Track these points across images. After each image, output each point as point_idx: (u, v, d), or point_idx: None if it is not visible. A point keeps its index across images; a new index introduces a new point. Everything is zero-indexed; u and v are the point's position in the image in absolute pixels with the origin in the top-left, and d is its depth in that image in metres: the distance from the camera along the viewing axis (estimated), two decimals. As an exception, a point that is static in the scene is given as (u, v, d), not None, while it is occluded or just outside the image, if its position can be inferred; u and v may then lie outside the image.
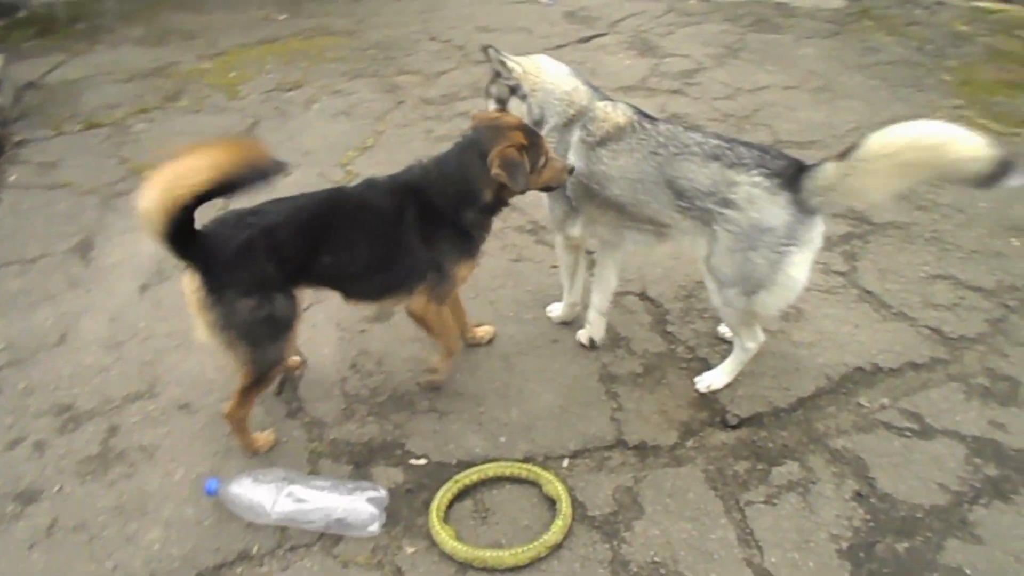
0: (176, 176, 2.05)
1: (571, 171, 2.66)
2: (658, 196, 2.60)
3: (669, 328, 3.20)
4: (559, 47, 6.30)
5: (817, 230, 2.47)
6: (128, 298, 3.47)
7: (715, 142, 2.55)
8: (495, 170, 2.43)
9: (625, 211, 2.73)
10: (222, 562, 2.29)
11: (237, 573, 2.26)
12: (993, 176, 2.15)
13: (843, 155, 2.34)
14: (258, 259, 2.32)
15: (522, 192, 2.57)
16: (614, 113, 2.70)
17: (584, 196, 2.80)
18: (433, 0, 7.97)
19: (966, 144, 2.16)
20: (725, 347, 3.06)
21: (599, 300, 3.06)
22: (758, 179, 2.43)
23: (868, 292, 3.35)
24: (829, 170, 2.35)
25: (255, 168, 2.14)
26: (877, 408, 2.79)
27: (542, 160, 2.54)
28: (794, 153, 4.26)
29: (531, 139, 2.50)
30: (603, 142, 2.67)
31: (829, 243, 3.66)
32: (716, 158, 2.51)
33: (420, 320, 2.68)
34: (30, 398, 2.93)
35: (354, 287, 2.61)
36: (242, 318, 2.32)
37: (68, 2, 7.82)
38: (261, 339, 2.38)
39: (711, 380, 2.86)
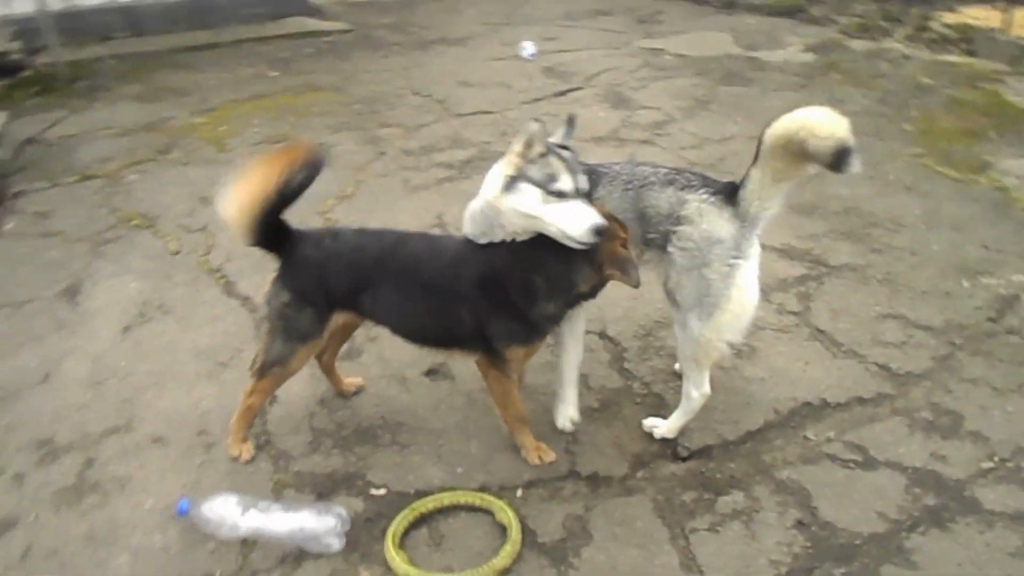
0: (251, 188, 2.44)
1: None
2: (634, 230, 2.71)
3: (627, 365, 3.34)
4: (536, 100, 6.56)
5: (756, 244, 2.67)
6: (111, 340, 3.61)
7: (664, 170, 2.76)
8: (608, 270, 2.45)
9: None
10: (185, 586, 2.39)
11: (199, 597, 2.36)
12: (837, 160, 2.43)
13: (756, 158, 2.51)
14: (304, 274, 2.65)
15: (635, 286, 2.49)
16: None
17: None
18: (417, 57, 8.29)
19: (827, 122, 2.43)
20: (678, 383, 3.19)
21: (574, 373, 2.97)
22: (705, 196, 2.66)
23: (820, 331, 3.50)
24: (754, 175, 2.56)
25: (311, 164, 2.50)
26: (823, 441, 2.91)
27: (619, 255, 2.45)
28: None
29: (626, 231, 2.50)
30: (588, 196, 2.62)
31: (784, 284, 3.84)
32: (670, 183, 2.71)
33: (485, 379, 2.77)
34: (11, 434, 3.04)
35: (401, 330, 2.77)
36: (274, 308, 2.67)
37: (69, 62, 8.10)
38: (279, 333, 2.69)
39: (661, 429, 2.96)
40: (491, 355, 2.64)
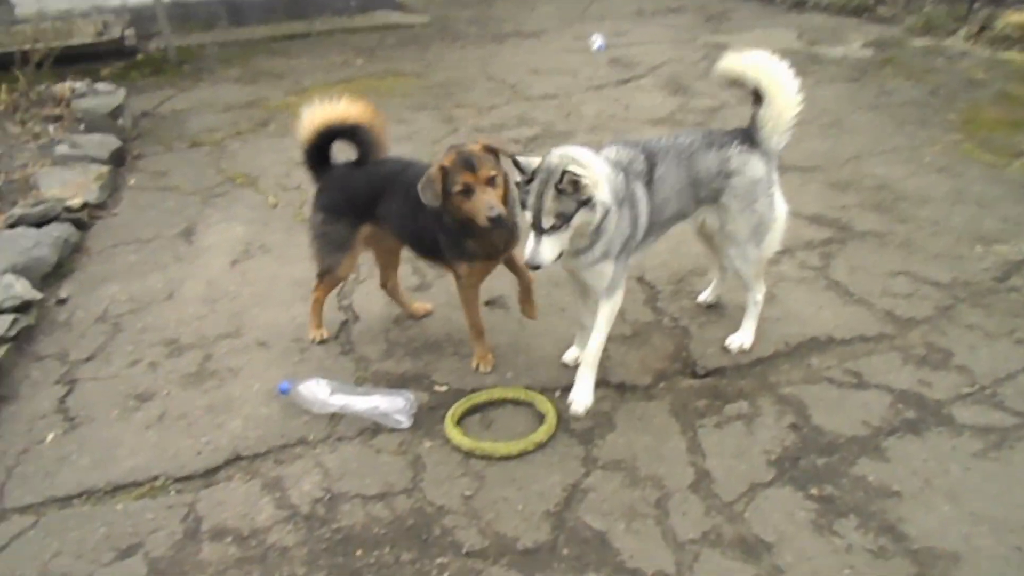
0: (318, 115, 3.27)
1: (495, 217, 2.84)
2: (689, 194, 3.20)
3: (659, 304, 3.82)
4: (599, 87, 7.07)
5: (776, 169, 3.27)
6: (221, 270, 4.28)
7: (699, 135, 3.24)
8: (419, 189, 2.91)
9: (661, 224, 3.21)
10: (285, 443, 3.00)
11: (296, 452, 2.97)
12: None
13: (758, 101, 3.11)
14: (334, 191, 3.38)
15: (446, 209, 2.94)
16: (632, 152, 3.08)
17: (647, 232, 3.12)
18: (493, 48, 8.88)
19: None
20: (704, 318, 3.68)
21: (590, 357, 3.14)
22: (739, 148, 3.17)
23: (836, 283, 3.92)
24: (762, 115, 3.14)
25: (364, 128, 3.30)
26: (824, 368, 3.34)
27: (457, 187, 2.87)
28: (797, 176, 4.92)
29: (455, 166, 2.88)
30: (651, 175, 3.08)
31: (809, 245, 4.25)
32: (710, 145, 3.19)
33: (456, 283, 3.34)
34: (145, 334, 3.73)
35: (404, 239, 3.43)
36: (315, 225, 3.42)
37: (177, 47, 8.96)
38: (321, 246, 3.43)
39: (741, 340, 3.45)
40: (454, 268, 3.23)
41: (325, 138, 3.31)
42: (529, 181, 2.72)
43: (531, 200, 2.70)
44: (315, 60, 8.79)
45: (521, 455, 2.90)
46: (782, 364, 3.38)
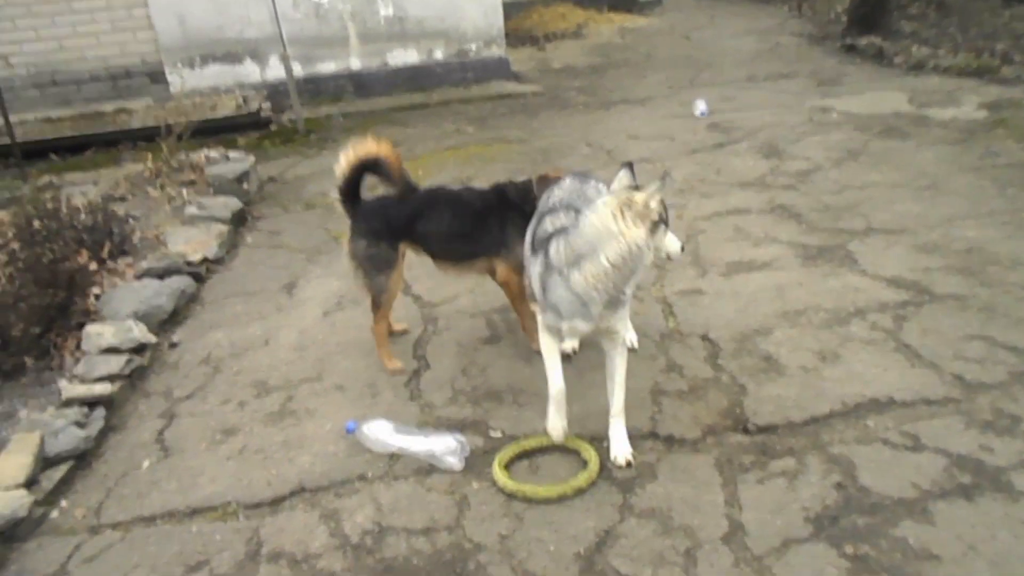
0: (351, 153, 3.85)
1: None
2: None
3: (719, 361, 3.88)
4: (694, 151, 7.20)
5: None
6: (314, 320, 4.67)
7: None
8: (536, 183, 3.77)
9: None
10: (346, 479, 3.26)
11: (355, 487, 3.21)
12: None
13: None
14: (374, 218, 3.89)
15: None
16: None
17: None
18: (599, 116, 9.17)
19: None
20: (764, 376, 3.70)
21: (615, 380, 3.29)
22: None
23: (906, 345, 3.85)
24: None
25: (386, 166, 3.87)
26: (881, 429, 3.30)
27: None
28: (882, 239, 4.86)
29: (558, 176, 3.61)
30: None
31: (883, 307, 4.20)
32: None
33: (506, 287, 3.95)
34: (239, 376, 4.13)
35: (438, 250, 3.97)
36: (360, 252, 3.88)
37: (306, 118, 9.75)
38: (370, 270, 3.89)
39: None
40: (507, 259, 3.84)
41: (357, 171, 3.85)
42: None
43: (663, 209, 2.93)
44: (429, 129, 9.35)
45: (561, 499, 3.03)
46: (836, 424, 3.36)
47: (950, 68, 9.84)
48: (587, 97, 10.44)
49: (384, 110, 10.46)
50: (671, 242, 3.06)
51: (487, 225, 3.89)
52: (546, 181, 3.66)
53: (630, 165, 3.09)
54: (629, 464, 3.21)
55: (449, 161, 7.79)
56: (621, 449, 3.24)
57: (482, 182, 6.96)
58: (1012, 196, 5.51)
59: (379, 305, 3.94)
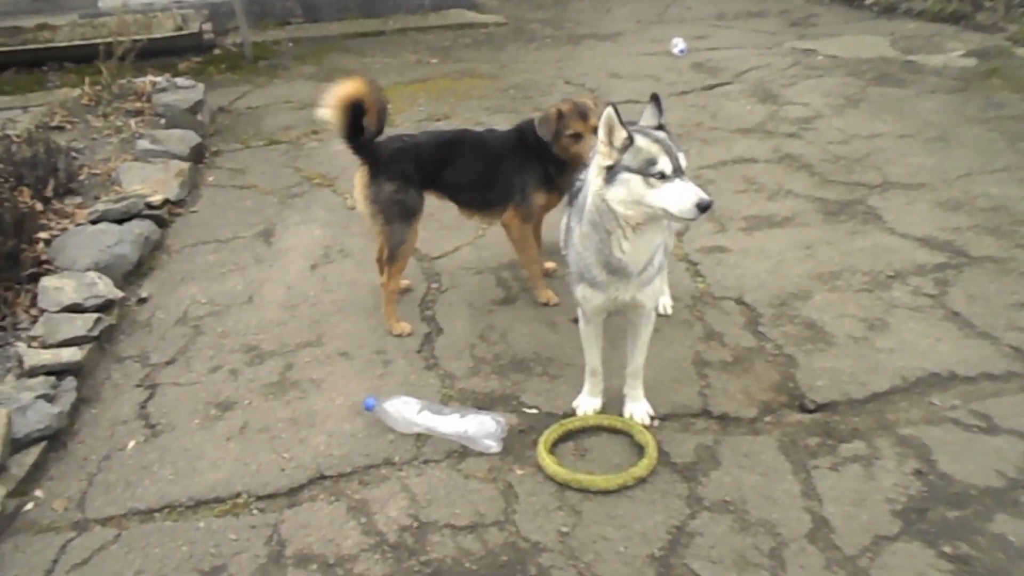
0: (341, 94, 3.28)
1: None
2: None
3: (760, 328, 3.58)
4: (683, 93, 6.81)
5: None
6: (301, 274, 4.18)
7: None
8: (536, 121, 3.46)
9: None
10: (370, 464, 2.86)
11: (382, 473, 2.82)
12: None
13: None
14: (403, 161, 3.46)
15: (555, 146, 3.45)
16: None
17: None
18: (569, 50, 8.67)
19: None
20: (811, 345, 3.43)
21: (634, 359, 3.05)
22: None
23: (955, 313, 3.62)
24: None
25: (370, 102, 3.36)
26: (947, 407, 3.07)
27: (569, 131, 3.39)
28: (903, 194, 4.62)
29: (570, 113, 3.40)
30: None
31: (922, 270, 3.96)
32: None
33: (507, 229, 3.68)
34: (225, 339, 3.64)
35: (464, 198, 3.69)
36: (385, 197, 3.43)
37: (253, 43, 8.96)
38: (394, 217, 3.46)
39: None
40: (518, 204, 3.58)
41: (352, 114, 3.35)
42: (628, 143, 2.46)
43: (661, 147, 2.42)
44: (389, 59, 8.70)
45: (620, 490, 2.71)
46: (899, 401, 3.12)
47: (924, 12, 9.61)
48: (553, 30, 9.90)
49: (336, 36, 9.71)
50: (667, 196, 2.40)
51: (512, 170, 3.63)
52: (561, 118, 3.42)
53: (656, 99, 2.69)
54: (653, 419, 3.04)
55: (419, 95, 7.22)
56: (639, 408, 3.05)
57: (459, 120, 6.50)
58: (1022, 151, 5.33)
59: (395, 259, 3.53)
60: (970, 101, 6.26)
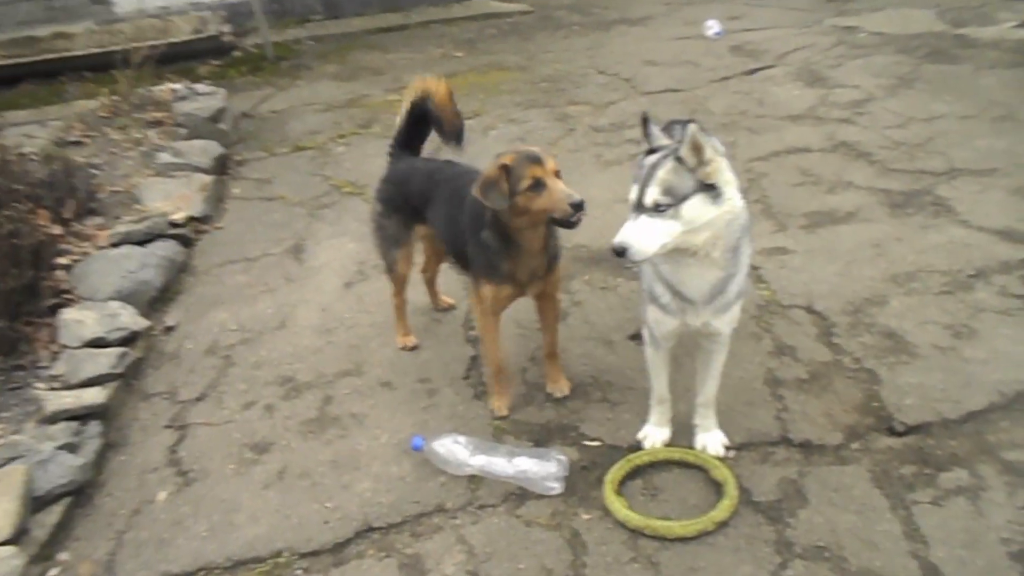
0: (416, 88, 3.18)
1: (578, 203, 2.52)
2: None
3: (835, 340, 3.29)
4: (725, 79, 6.49)
5: None
6: (335, 293, 3.94)
7: None
8: (475, 191, 2.63)
9: None
10: (421, 512, 2.62)
11: (435, 522, 2.58)
12: None
13: None
14: (393, 184, 3.26)
15: (511, 212, 2.61)
16: None
17: None
18: (599, 37, 8.36)
19: None
20: (893, 358, 3.13)
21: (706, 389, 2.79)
22: None
23: (1049, 316, 3.31)
24: None
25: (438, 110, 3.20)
26: (1057, 427, 2.77)
27: (525, 182, 2.55)
28: (973, 181, 4.30)
29: (517, 163, 2.57)
30: None
31: (1006, 267, 3.64)
32: None
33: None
34: (259, 371, 3.41)
35: (446, 247, 3.20)
36: (372, 216, 3.34)
37: (274, 43, 8.74)
38: (379, 240, 3.32)
39: None
40: (476, 288, 2.92)
41: (415, 117, 3.23)
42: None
43: (641, 173, 2.21)
44: (414, 54, 8.44)
45: (699, 536, 2.44)
46: (999, 420, 2.82)
47: (969, -18, 9.17)
48: (580, 16, 9.59)
49: (358, 32, 9.48)
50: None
51: (471, 241, 2.89)
52: (508, 172, 2.58)
53: (646, 121, 2.37)
54: (728, 450, 2.76)
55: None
56: (713, 440, 2.78)
57: (491, 118, 6.24)
58: (1097, 129, 4.95)
59: (391, 280, 3.41)
60: (1033, 75, 5.88)
